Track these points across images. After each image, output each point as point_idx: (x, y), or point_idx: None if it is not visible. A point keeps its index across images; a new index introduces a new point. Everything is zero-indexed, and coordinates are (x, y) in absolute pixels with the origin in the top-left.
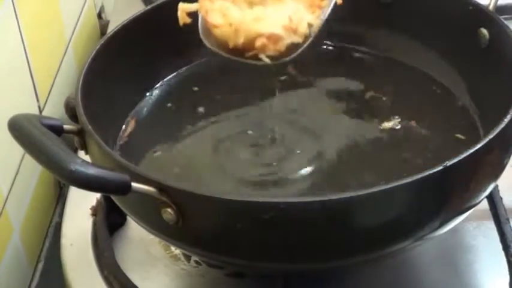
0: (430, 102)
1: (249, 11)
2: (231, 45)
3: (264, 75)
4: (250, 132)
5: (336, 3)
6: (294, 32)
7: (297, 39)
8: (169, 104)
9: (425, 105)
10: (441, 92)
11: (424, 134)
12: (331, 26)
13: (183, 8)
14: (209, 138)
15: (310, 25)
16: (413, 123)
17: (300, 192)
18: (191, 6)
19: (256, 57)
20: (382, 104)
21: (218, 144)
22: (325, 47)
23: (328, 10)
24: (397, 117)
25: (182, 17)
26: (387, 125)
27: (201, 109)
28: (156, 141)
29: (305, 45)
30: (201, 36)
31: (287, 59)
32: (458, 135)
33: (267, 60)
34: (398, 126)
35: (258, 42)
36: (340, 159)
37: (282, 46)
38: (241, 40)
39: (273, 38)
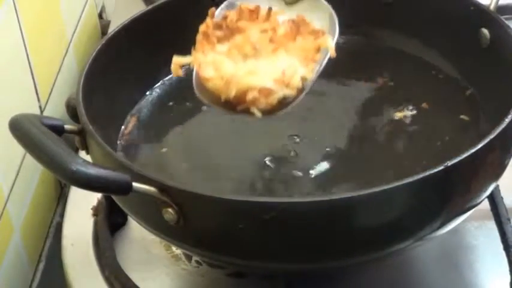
0: (437, 89)
1: (241, 64)
2: (222, 98)
3: None
4: (255, 129)
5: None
6: (286, 85)
7: (290, 92)
8: (170, 103)
9: (432, 91)
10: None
11: (436, 121)
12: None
13: (176, 61)
14: (211, 136)
15: (303, 79)
16: (425, 105)
17: (310, 191)
18: (185, 60)
19: (248, 111)
20: (390, 95)
21: (220, 143)
22: None
23: (323, 63)
24: (410, 106)
25: (175, 70)
26: (399, 114)
27: (203, 108)
28: (157, 140)
29: (298, 99)
30: (195, 88)
31: (280, 112)
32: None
33: (259, 114)
34: (412, 112)
35: (249, 96)
36: (354, 154)
37: (273, 100)
38: (232, 93)
39: (265, 92)
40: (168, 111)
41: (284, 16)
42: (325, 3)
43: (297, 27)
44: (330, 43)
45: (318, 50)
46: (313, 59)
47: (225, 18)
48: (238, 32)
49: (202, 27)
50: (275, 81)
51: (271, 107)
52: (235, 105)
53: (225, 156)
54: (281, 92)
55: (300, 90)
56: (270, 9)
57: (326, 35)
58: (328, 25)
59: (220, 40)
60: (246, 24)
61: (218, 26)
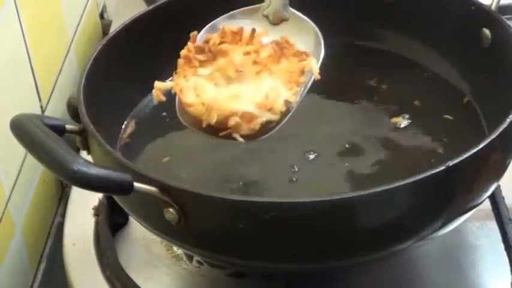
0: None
1: (224, 89)
2: (204, 123)
3: None
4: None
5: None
6: (269, 109)
7: (273, 116)
8: (171, 104)
9: (431, 92)
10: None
11: (435, 122)
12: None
13: (158, 87)
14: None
15: (287, 102)
16: (423, 105)
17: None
18: (166, 85)
19: (230, 136)
20: (388, 96)
21: (222, 144)
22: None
23: (308, 85)
24: (407, 108)
25: (157, 96)
26: (396, 120)
27: None
28: (157, 141)
29: (282, 123)
30: (178, 113)
31: (262, 137)
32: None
33: (241, 140)
34: (410, 115)
35: (231, 122)
36: (355, 157)
37: (256, 125)
38: (214, 119)
39: (247, 117)
40: (169, 113)
41: (268, 38)
42: (311, 23)
43: (281, 49)
44: (314, 65)
45: (302, 72)
46: (297, 81)
47: (207, 41)
48: (221, 55)
49: (183, 52)
50: (257, 106)
51: (253, 132)
52: (218, 131)
53: (222, 159)
54: (264, 117)
55: (284, 114)
56: (253, 30)
57: (310, 57)
58: (313, 45)
59: (202, 64)
60: (229, 46)
61: (200, 50)
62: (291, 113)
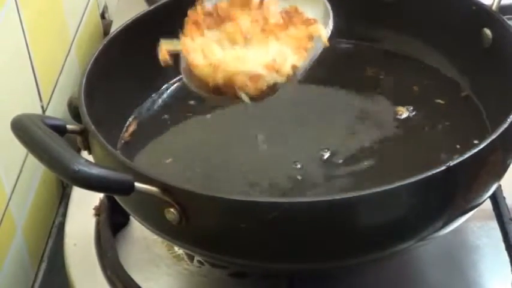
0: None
1: (230, 51)
2: (210, 83)
3: None
4: (260, 131)
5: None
6: (276, 71)
7: (279, 78)
8: (172, 104)
9: (433, 92)
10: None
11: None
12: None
13: (164, 46)
14: (215, 138)
15: (294, 66)
16: (424, 105)
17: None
18: (172, 44)
19: (236, 96)
20: (390, 96)
21: (225, 144)
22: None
23: (318, 52)
24: (410, 107)
25: (163, 56)
26: (401, 108)
27: (206, 109)
28: (158, 141)
29: (289, 86)
30: (182, 74)
31: (268, 97)
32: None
33: (247, 99)
34: (412, 113)
35: (238, 81)
36: (362, 155)
37: (262, 85)
38: (220, 78)
39: (254, 77)
40: (170, 113)
41: (277, 6)
42: None
43: (290, 17)
44: (322, 31)
45: (310, 38)
46: (305, 47)
47: (215, 6)
48: (229, 19)
49: (191, 14)
50: (265, 67)
51: (260, 93)
52: (224, 91)
53: (225, 160)
54: (270, 78)
55: (291, 78)
56: None
57: (318, 23)
58: (322, 16)
59: (209, 27)
60: (237, 12)
61: (208, 14)
62: (298, 78)
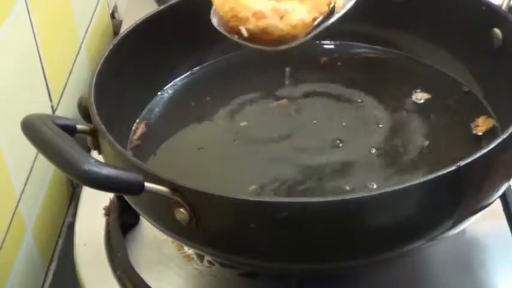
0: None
1: None
2: (220, 12)
3: (279, 73)
4: (266, 131)
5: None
6: (281, 17)
7: (281, 25)
8: (181, 104)
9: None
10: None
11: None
12: (342, 25)
13: None
14: (224, 137)
15: (301, 21)
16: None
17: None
18: None
19: (238, 31)
20: (396, 99)
21: (232, 143)
22: (332, 46)
23: (335, 18)
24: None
25: None
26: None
27: (215, 108)
28: (168, 141)
29: (298, 41)
30: (211, 15)
31: (281, 47)
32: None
33: (244, 32)
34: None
35: (241, 14)
36: (366, 155)
37: (263, 24)
38: (227, 12)
39: (257, 13)
40: (180, 113)
41: None
42: None
43: None
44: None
45: (329, 3)
46: (319, 10)
47: None
48: None
49: None
50: (271, 9)
51: (258, 31)
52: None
53: (234, 160)
54: (273, 21)
55: (298, 32)
56: None
57: None
58: None
59: None
60: None
61: None
62: (310, 36)
